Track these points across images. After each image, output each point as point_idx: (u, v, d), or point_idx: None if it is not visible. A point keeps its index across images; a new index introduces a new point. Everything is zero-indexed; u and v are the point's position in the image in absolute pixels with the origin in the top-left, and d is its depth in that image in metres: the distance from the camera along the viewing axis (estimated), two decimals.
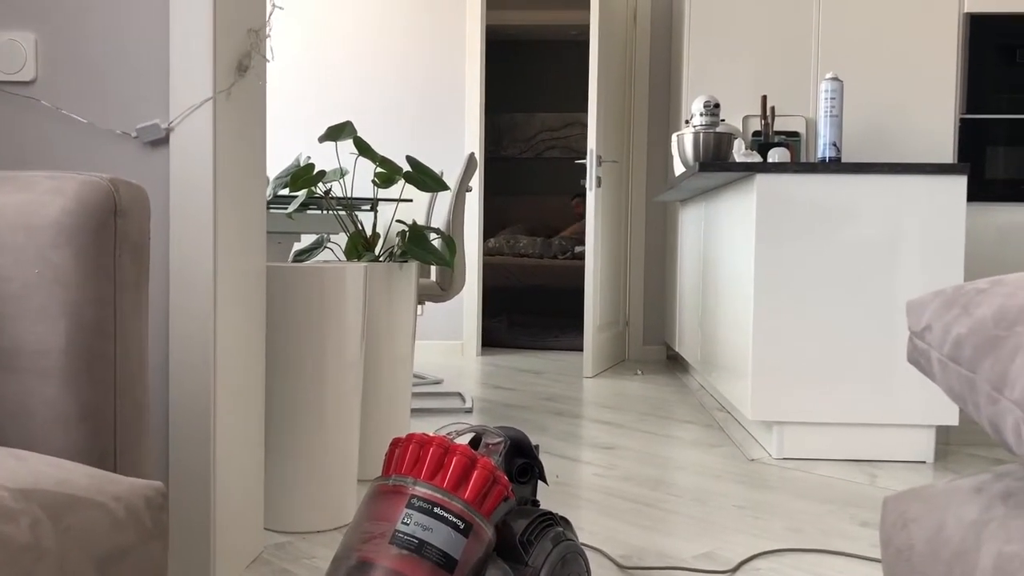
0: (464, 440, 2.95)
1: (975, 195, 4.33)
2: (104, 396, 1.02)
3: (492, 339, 5.86)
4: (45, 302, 0.99)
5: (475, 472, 1.30)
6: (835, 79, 2.96)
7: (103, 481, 0.90)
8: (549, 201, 8.51)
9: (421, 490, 1.27)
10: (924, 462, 2.77)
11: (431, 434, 1.34)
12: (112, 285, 1.03)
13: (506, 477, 1.37)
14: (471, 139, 5.33)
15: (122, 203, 1.04)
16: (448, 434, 1.38)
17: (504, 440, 1.48)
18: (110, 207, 1.02)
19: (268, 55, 1.85)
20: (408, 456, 1.31)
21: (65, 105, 1.64)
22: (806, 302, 2.78)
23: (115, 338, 1.03)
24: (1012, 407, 0.81)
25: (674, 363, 5.17)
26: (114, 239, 1.03)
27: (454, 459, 1.30)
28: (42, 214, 1.01)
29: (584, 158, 4.70)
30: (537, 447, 1.55)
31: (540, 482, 2.55)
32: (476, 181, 5.36)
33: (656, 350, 5.33)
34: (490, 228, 8.45)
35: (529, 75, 8.69)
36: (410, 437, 1.33)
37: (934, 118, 4.41)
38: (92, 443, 1.01)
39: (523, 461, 1.50)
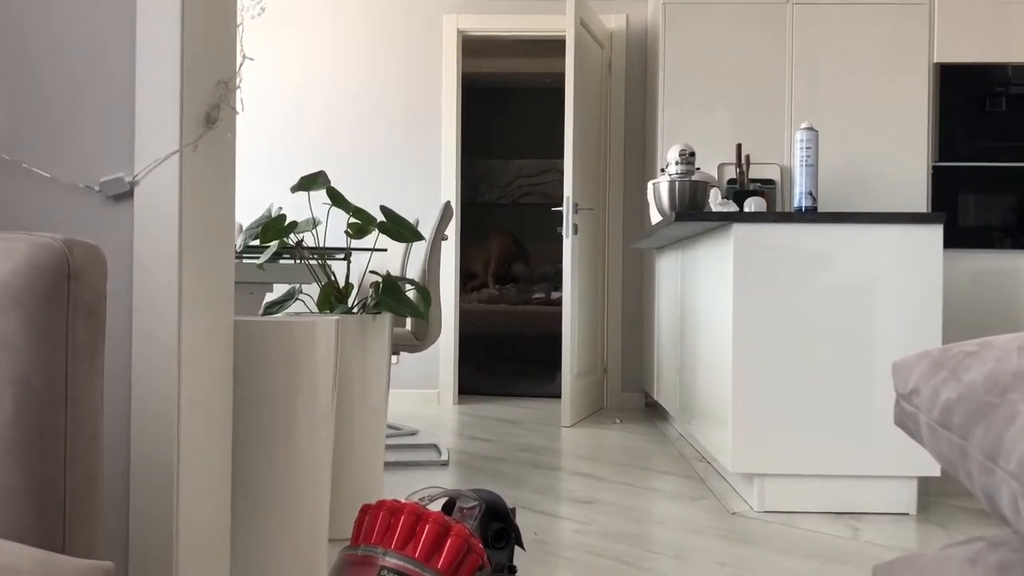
0: (438, 505, 2.87)
1: (949, 242, 4.36)
2: (53, 470, 0.96)
3: (468, 386, 5.79)
4: None
5: (448, 540, 1.25)
6: (810, 129, 2.97)
7: (47, 564, 0.84)
8: (526, 246, 8.50)
9: (391, 561, 1.21)
10: (907, 514, 2.73)
11: (403, 500, 1.29)
12: (64, 351, 0.98)
13: (481, 544, 1.32)
14: (448, 185, 5.31)
15: (76, 265, 0.99)
16: (421, 499, 1.33)
17: (479, 504, 1.42)
18: (62, 269, 0.97)
19: (238, 107, 1.82)
20: (378, 524, 1.25)
21: (26, 159, 1.59)
22: (785, 352, 2.75)
23: (66, 408, 0.98)
24: (1008, 479, 0.77)
25: (653, 411, 5.12)
26: (67, 303, 0.98)
27: (426, 527, 1.24)
28: None
29: (560, 204, 4.69)
30: (513, 510, 1.50)
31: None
32: (452, 228, 5.33)
33: (634, 397, 5.28)
34: (467, 273, 8.42)
35: (505, 122, 8.73)
36: (380, 504, 1.27)
37: (908, 166, 4.45)
38: (39, 521, 0.95)
39: (499, 525, 1.45)
